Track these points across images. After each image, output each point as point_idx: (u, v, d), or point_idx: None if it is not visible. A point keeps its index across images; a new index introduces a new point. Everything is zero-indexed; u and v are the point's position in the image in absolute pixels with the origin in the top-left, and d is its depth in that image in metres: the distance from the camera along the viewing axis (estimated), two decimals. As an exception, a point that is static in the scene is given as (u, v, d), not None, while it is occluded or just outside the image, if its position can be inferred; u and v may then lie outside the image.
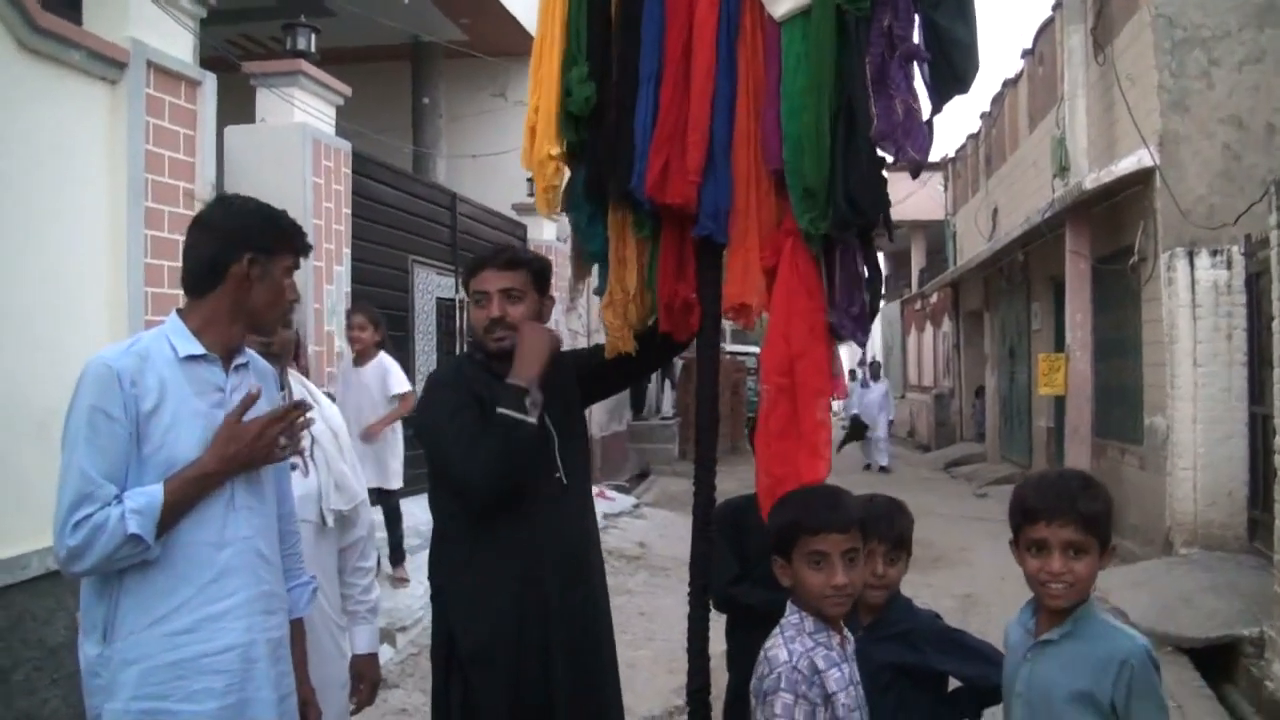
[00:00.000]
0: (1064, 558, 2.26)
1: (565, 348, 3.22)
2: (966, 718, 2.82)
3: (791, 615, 2.39)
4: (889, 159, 2.64)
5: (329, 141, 7.54)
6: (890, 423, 19.85)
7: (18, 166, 4.28)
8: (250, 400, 2.41)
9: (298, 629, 2.65)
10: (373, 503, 7.34)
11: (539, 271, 3.10)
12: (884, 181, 2.67)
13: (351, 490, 3.27)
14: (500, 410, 2.82)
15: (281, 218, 2.54)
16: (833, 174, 2.60)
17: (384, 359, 7.22)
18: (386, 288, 8.99)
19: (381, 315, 7.39)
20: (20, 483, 3.33)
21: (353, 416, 7.08)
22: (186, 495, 2.31)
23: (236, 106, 7.01)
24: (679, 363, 18.71)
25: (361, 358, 7.17)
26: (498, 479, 2.83)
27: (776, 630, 2.39)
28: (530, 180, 3.04)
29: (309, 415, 2.60)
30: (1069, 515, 2.26)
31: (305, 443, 3.14)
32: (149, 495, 2.26)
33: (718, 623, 3.03)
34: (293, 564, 2.65)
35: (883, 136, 2.58)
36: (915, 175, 2.76)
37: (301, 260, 2.61)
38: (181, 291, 2.51)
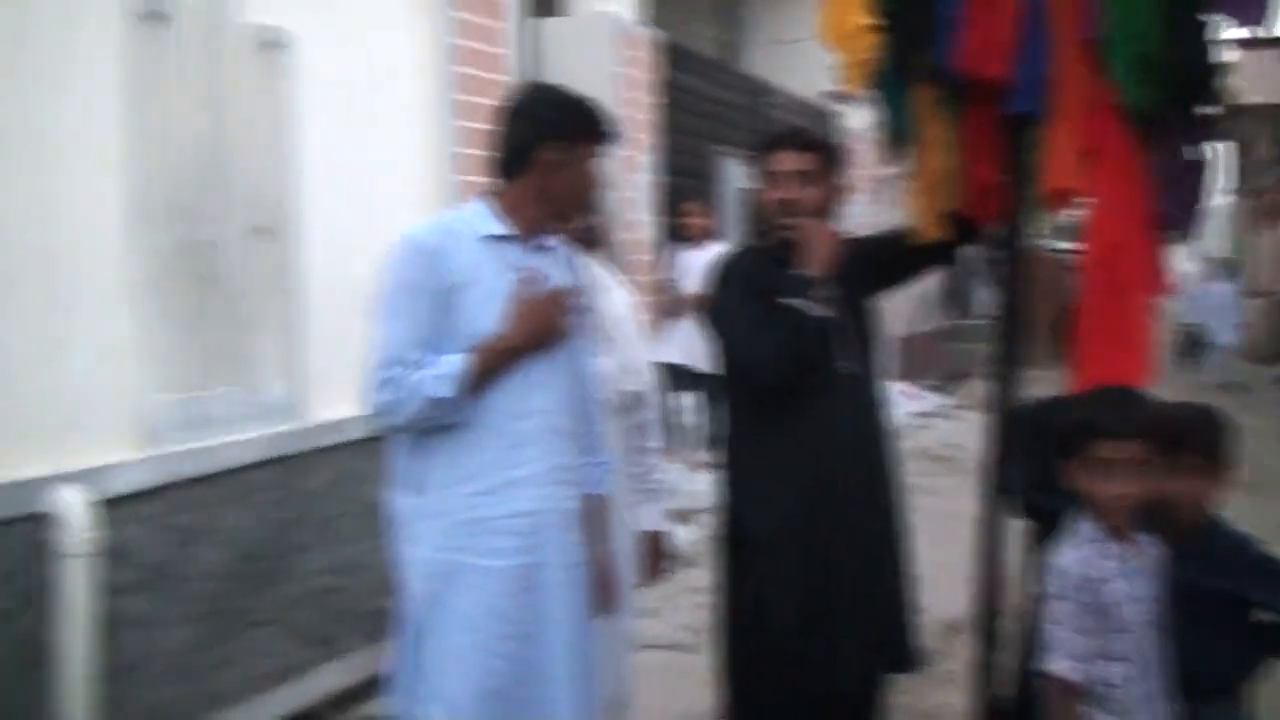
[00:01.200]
0: None
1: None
2: (1273, 654, 2.52)
3: (1076, 522, 2.26)
4: (1224, 26, 2.36)
5: (633, 31, 7.55)
6: (1238, 326, 18.05)
7: (346, 62, 4.55)
8: (533, 278, 2.47)
9: (598, 504, 2.73)
10: (688, 387, 7.63)
11: (833, 155, 3.00)
12: (1217, 51, 2.38)
13: (640, 373, 3.33)
14: (786, 301, 2.78)
15: (589, 105, 2.57)
16: (1161, 43, 2.33)
17: (718, 246, 7.37)
18: (693, 177, 9.01)
19: (721, 205, 7.66)
20: (344, 351, 3.57)
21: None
22: (489, 365, 2.43)
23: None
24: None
25: (693, 242, 7.55)
26: (783, 369, 2.81)
27: (1063, 537, 2.26)
28: (836, 65, 2.89)
29: (590, 300, 2.66)
30: None
31: (597, 325, 3.21)
32: (452, 362, 2.40)
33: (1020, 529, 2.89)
34: (591, 442, 2.72)
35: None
36: (1256, 25, 2.43)
37: (608, 149, 2.64)
38: (489, 177, 2.59)
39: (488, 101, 5.04)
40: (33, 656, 3.32)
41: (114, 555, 3.48)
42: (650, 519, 3.38)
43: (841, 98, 11.98)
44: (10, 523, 3.28)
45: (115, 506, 3.51)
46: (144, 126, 3.74)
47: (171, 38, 3.87)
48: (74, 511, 3.33)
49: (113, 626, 3.48)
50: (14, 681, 3.30)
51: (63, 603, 3.33)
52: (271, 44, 4.23)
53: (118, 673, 3.49)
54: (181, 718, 3.77)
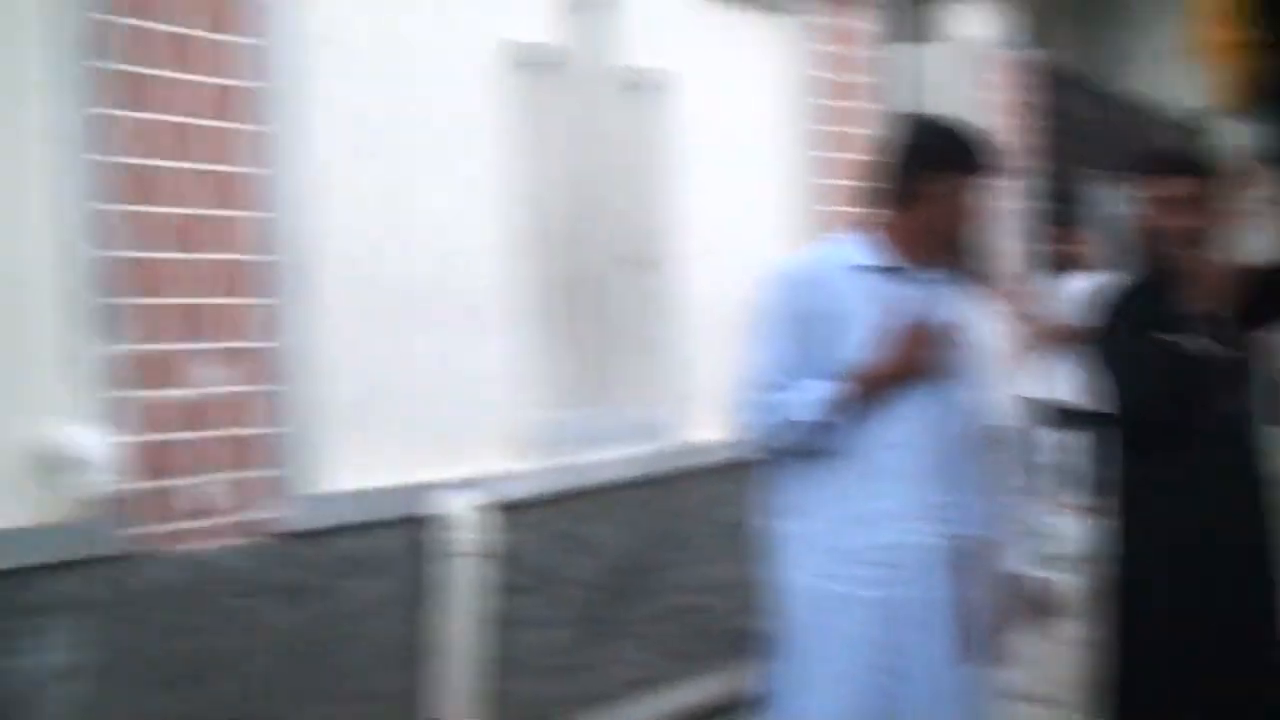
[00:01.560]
0: None
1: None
2: None
3: None
4: None
5: (1005, 54, 7.35)
6: None
7: (716, 98, 4.76)
8: (909, 310, 2.48)
9: (967, 544, 2.68)
10: (1058, 424, 7.30)
11: (1218, 179, 2.88)
12: None
13: (1009, 409, 3.24)
14: (1170, 337, 2.66)
15: (972, 136, 2.57)
16: None
17: (1094, 276, 7.08)
18: (1067, 203, 8.63)
19: (1097, 232, 7.41)
20: (713, 377, 3.72)
21: None
22: (858, 394, 2.46)
23: (899, 21, 7.06)
24: None
25: (1067, 271, 7.31)
26: (1164, 407, 2.72)
27: None
28: (1212, 81, 2.75)
29: (961, 335, 2.63)
30: None
31: (970, 359, 3.16)
32: (819, 389, 2.45)
33: None
34: (960, 479, 2.67)
35: None
36: None
37: (990, 179, 2.62)
38: (859, 207, 2.65)
39: (853, 132, 5.09)
40: (423, 647, 3.67)
41: (502, 558, 3.80)
42: (1020, 562, 3.28)
43: (1219, 116, 11.11)
44: (406, 522, 3.67)
45: (505, 512, 3.83)
46: (528, 166, 4.10)
47: (557, 82, 4.23)
48: (463, 515, 3.69)
49: (496, 623, 3.79)
50: (404, 668, 3.65)
51: (451, 599, 3.67)
52: (649, 85, 4.48)
53: (499, 666, 3.80)
54: (553, 715, 4.03)
